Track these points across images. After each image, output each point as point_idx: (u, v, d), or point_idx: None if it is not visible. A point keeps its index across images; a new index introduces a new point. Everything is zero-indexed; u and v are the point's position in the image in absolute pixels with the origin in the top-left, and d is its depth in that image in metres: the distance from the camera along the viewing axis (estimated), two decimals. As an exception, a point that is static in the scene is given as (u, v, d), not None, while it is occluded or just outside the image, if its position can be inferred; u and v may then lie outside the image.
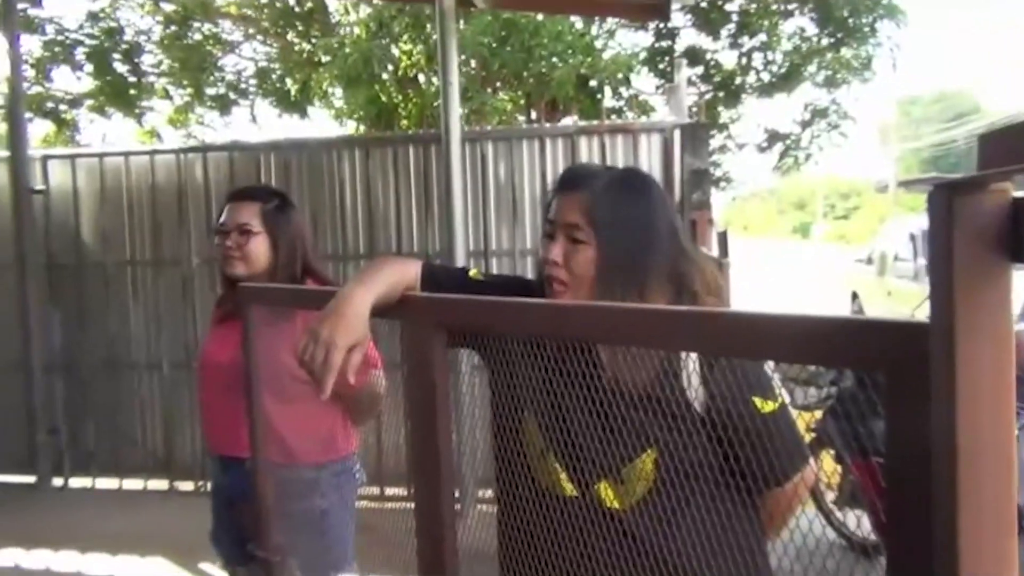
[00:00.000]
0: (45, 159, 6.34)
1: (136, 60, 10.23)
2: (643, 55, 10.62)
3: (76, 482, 6.28)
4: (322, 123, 10.89)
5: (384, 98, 9.38)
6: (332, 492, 2.56)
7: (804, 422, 4.69)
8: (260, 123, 11.12)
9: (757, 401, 1.42)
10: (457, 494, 2.56)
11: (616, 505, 1.45)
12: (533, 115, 10.04)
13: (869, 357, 0.80)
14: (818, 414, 4.65)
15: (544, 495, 1.51)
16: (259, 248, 2.58)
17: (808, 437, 4.76)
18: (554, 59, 8.30)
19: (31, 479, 6.23)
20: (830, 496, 4.74)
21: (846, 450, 4.35)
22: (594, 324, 1.16)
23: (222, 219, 2.64)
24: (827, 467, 4.77)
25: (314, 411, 2.32)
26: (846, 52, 10.63)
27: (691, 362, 1.43)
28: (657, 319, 1.06)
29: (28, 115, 6.52)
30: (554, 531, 1.48)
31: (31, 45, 9.42)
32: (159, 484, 6.13)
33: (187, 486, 6.09)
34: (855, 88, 11.00)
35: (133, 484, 6.18)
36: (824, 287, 17.63)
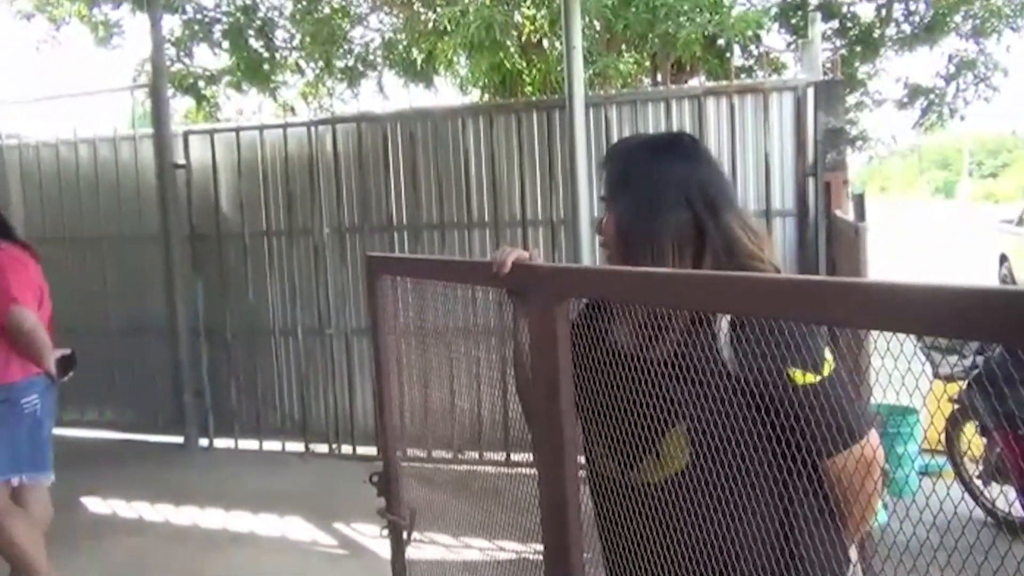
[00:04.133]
0: (186, 135, 6.63)
1: (269, 36, 10.55)
2: (774, 10, 10.22)
3: (220, 442, 6.62)
4: (446, 92, 10.95)
5: (507, 65, 9.36)
6: None
7: (947, 393, 4.48)
8: (387, 94, 11.23)
9: (794, 373, 1.34)
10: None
11: (654, 479, 1.45)
12: (658, 77, 9.83)
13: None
14: (961, 385, 4.43)
15: (600, 479, 1.57)
16: None
17: (950, 408, 4.55)
18: (680, 18, 8.08)
19: (179, 439, 6.60)
20: (974, 470, 4.51)
21: (992, 422, 4.13)
22: (720, 293, 1.12)
23: None
24: (971, 439, 4.55)
25: None
26: (997, -2, 9.95)
27: (723, 320, 1.39)
28: (793, 290, 1.02)
29: (170, 92, 6.81)
30: (610, 515, 1.53)
31: (172, 24, 9.84)
32: (295, 446, 6.39)
33: (322, 448, 6.33)
34: (1006, 37, 10.30)
35: (272, 445, 6.46)
36: (970, 250, 16.73)
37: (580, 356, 1.47)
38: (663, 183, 1.54)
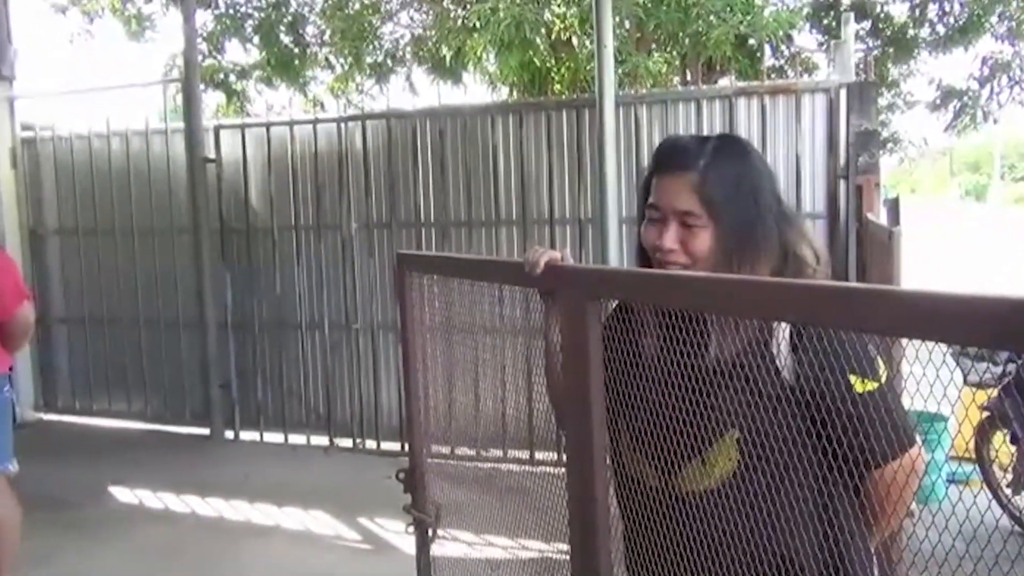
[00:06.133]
0: (217, 129, 6.68)
1: (300, 31, 10.60)
2: (806, 10, 10.14)
3: (246, 435, 6.67)
4: (475, 90, 10.97)
5: (537, 62, 9.35)
6: None
7: (977, 400, 4.43)
8: (416, 90, 11.26)
9: (854, 379, 1.35)
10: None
11: (699, 487, 1.43)
12: (688, 77, 9.78)
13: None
14: (992, 392, 4.38)
15: (635, 484, 1.54)
16: None
17: (981, 416, 4.50)
18: (712, 18, 8.04)
19: (206, 431, 6.66)
20: (1003, 478, 4.46)
21: (1023, 430, 4.09)
22: (762, 300, 1.12)
23: None
24: (999, 448, 4.50)
25: None
26: (1033, 0, 9.81)
27: (781, 330, 1.38)
28: (832, 297, 1.01)
29: (201, 87, 6.86)
30: (643, 522, 1.49)
31: (204, 19, 9.92)
32: (320, 440, 6.43)
33: (346, 443, 6.36)
34: (1042, 40, 10.15)
35: (297, 438, 6.50)
36: (1001, 254, 16.52)
37: (613, 359, 1.47)
38: (762, 193, 1.49)
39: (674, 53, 9.48)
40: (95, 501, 5.29)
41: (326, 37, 10.95)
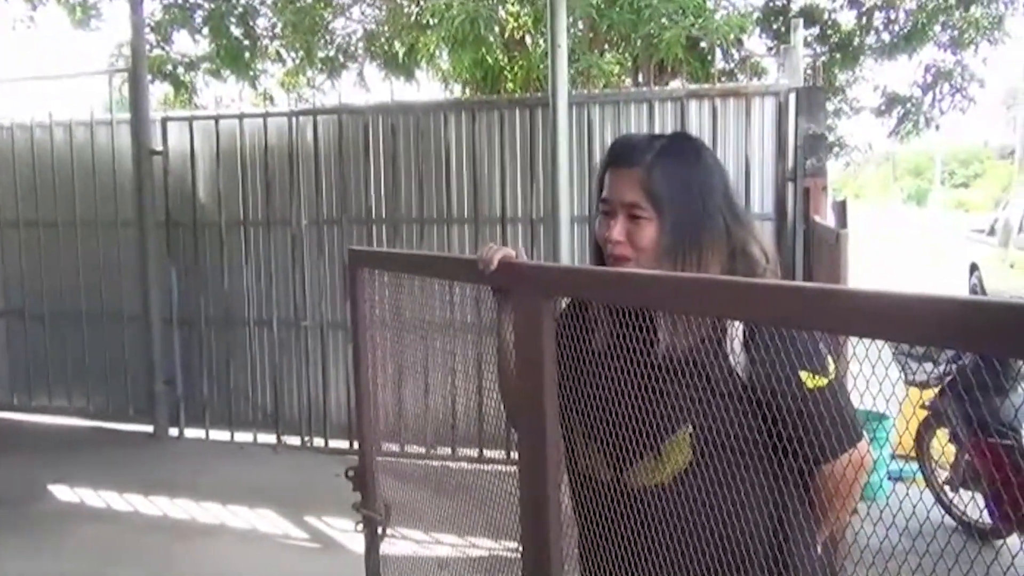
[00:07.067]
0: (164, 121, 6.56)
1: (250, 23, 10.45)
2: (756, 15, 10.27)
3: (191, 432, 6.56)
4: (428, 86, 10.93)
5: (490, 60, 9.34)
6: None
7: (920, 399, 4.52)
8: (368, 86, 11.17)
9: (804, 375, 1.38)
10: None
11: (651, 482, 1.45)
12: (641, 78, 9.85)
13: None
14: (934, 391, 4.47)
15: (588, 481, 1.55)
16: None
17: (922, 415, 4.59)
18: (664, 20, 8.10)
19: (149, 428, 6.54)
20: (944, 476, 4.56)
21: (963, 429, 4.18)
22: (710, 298, 1.13)
23: None
24: (941, 446, 4.59)
25: None
26: (975, 10, 10.04)
27: (734, 328, 1.41)
28: (787, 295, 1.03)
29: (148, 78, 6.73)
30: (596, 517, 1.51)
31: (152, 8, 9.72)
32: (268, 438, 6.35)
33: (294, 441, 6.29)
34: (983, 49, 10.41)
35: (244, 436, 6.41)
36: (940, 258, 16.92)
37: (566, 355, 1.47)
38: (710, 190, 1.52)
39: (627, 54, 9.53)
40: (34, 500, 5.16)
41: (277, 30, 10.81)
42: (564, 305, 1.65)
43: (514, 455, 1.65)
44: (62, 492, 5.30)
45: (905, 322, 0.87)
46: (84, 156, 6.71)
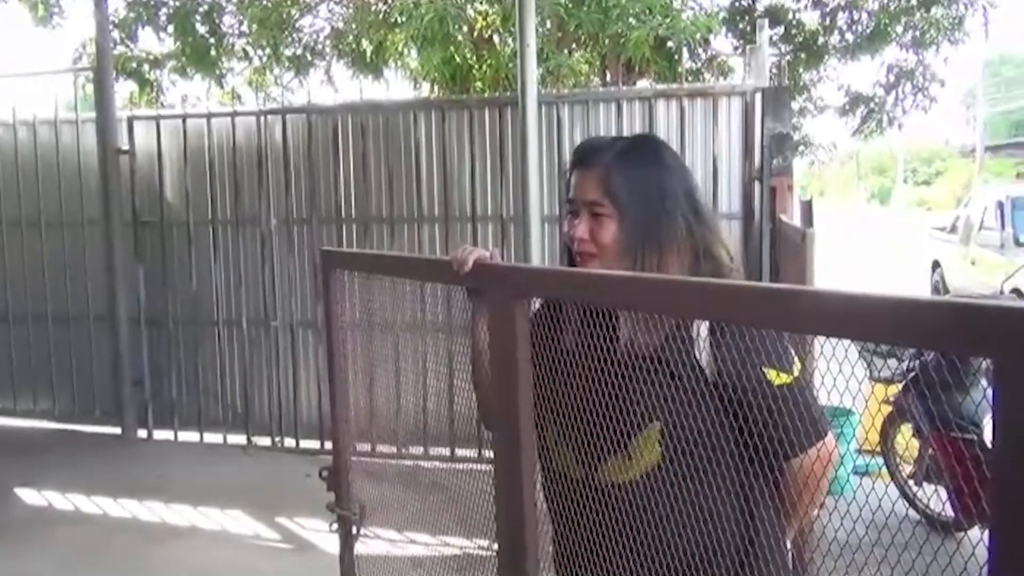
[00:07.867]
0: (131, 120, 6.49)
1: (216, 21, 10.35)
2: (722, 15, 10.35)
3: (160, 434, 6.50)
4: (396, 85, 10.91)
5: (459, 59, 9.33)
6: None
7: (884, 395, 4.60)
8: (336, 85, 11.11)
9: (770, 372, 1.42)
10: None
11: (623, 479, 1.47)
12: (609, 77, 9.89)
13: (976, 341, 0.79)
14: (898, 387, 4.55)
15: (561, 478, 1.57)
16: None
17: (887, 410, 4.67)
18: (631, 19, 8.14)
19: (117, 430, 6.48)
20: (907, 470, 4.65)
21: (926, 424, 4.26)
22: (674, 298, 1.16)
23: None
24: (905, 441, 4.68)
25: None
26: (936, 11, 10.20)
27: (701, 325, 1.44)
28: (754, 297, 1.06)
29: (113, 76, 6.66)
30: (568, 514, 1.54)
31: (116, 5, 9.60)
32: (238, 438, 6.31)
33: (264, 441, 6.26)
34: (944, 49, 10.58)
35: (213, 437, 6.37)
36: (903, 255, 17.15)
37: (538, 353, 1.49)
38: (670, 191, 1.55)
39: (595, 53, 9.57)
40: (1, 503, 5.10)
41: (243, 28, 10.72)
42: (538, 304, 1.68)
43: (486, 453, 1.67)
44: (29, 496, 5.24)
45: (866, 322, 0.90)
46: (49, 155, 6.62)
